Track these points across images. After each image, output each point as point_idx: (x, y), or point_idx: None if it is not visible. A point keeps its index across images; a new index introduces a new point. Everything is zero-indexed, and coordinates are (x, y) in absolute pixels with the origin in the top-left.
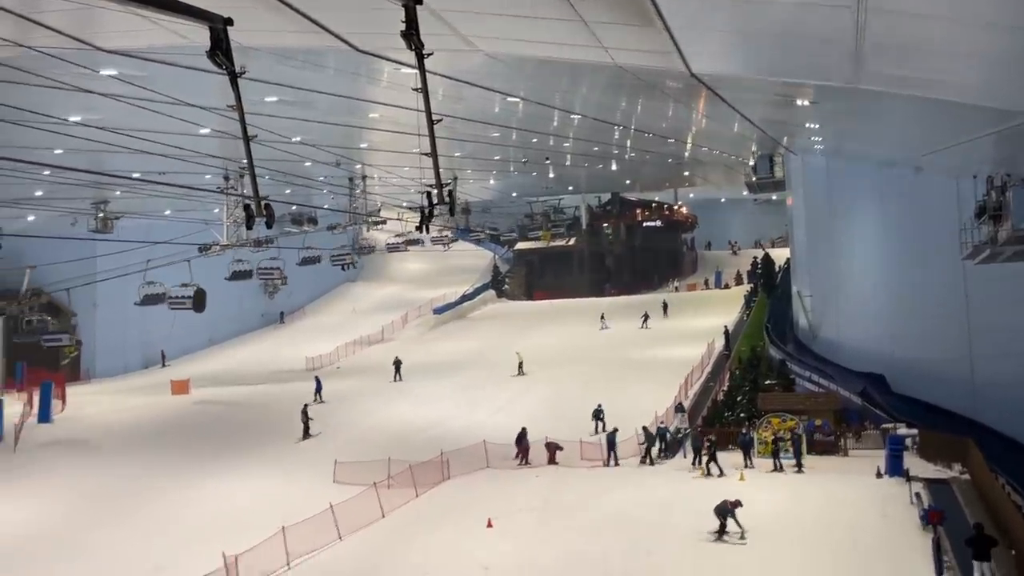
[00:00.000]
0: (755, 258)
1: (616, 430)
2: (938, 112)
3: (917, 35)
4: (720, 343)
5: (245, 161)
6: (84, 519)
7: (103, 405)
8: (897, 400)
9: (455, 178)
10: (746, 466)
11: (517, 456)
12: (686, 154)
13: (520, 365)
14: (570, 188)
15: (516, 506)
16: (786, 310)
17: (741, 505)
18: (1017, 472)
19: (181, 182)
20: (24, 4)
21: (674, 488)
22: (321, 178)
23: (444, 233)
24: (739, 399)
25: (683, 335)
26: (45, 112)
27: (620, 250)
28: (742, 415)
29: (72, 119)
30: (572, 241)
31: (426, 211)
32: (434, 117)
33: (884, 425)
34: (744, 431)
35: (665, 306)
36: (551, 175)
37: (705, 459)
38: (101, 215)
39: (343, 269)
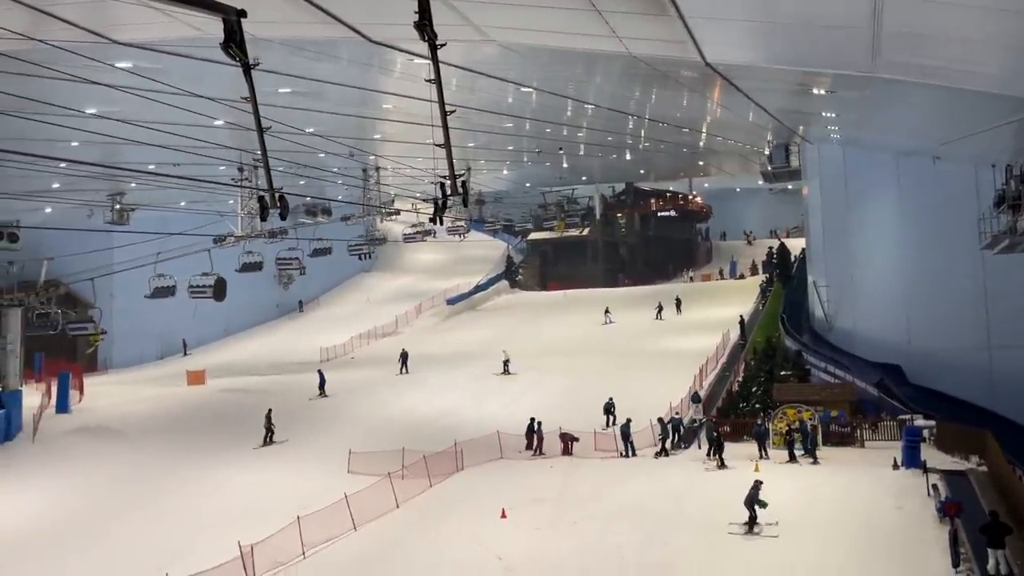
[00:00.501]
0: (770, 248)
1: (629, 421)
2: (957, 101)
3: (935, 22)
4: (735, 334)
5: (259, 153)
6: (101, 508)
7: (121, 395)
8: (914, 391)
9: (469, 169)
10: (761, 457)
11: (529, 448)
12: (701, 144)
13: (506, 364)
14: (584, 178)
15: (530, 497)
16: (802, 300)
17: (761, 483)
18: None
19: (195, 174)
20: None
21: (689, 479)
22: (335, 169)
23: (459, 223)
24: (754, 390)
25: (698, 326)
26: (61, 105)
27: (634, 240)
28: (757, 406)
29: (88, 112)
30: (586, 231)
31: (439, 202)
32: (447, 108)
33: (901, 416)
34: (759, 422)
35: (678, 302)
36: (565, 165)
37: (714, 452)
38: (117, 207)
39: (360, 259)
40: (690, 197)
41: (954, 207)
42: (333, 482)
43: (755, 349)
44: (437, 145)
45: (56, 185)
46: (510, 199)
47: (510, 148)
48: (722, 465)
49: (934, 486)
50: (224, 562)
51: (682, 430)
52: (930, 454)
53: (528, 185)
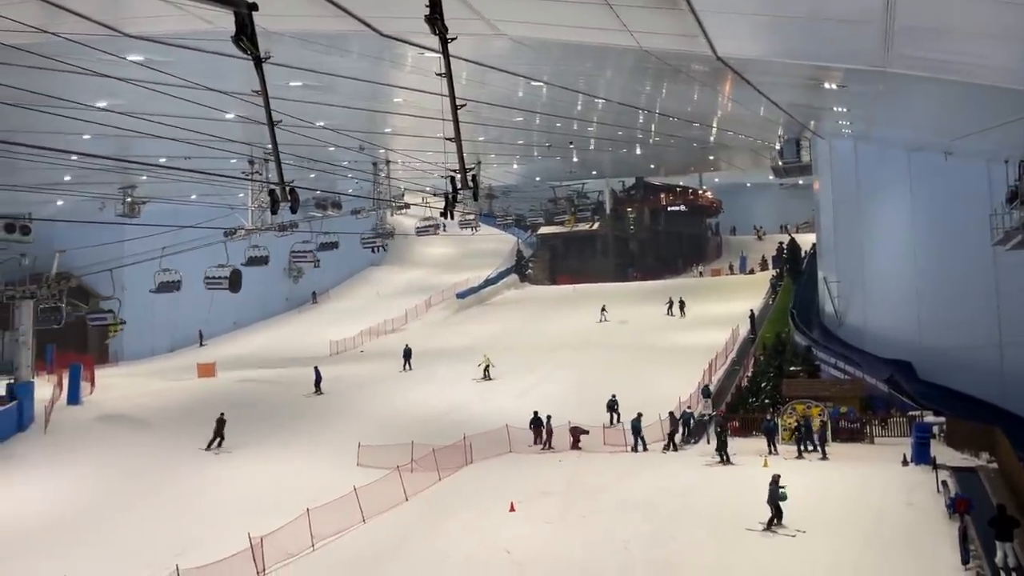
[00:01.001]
0: (781, 243)
1: (640, 415)
2: (970, 96)
3: (948, 16)
4: (744, 329)
5: (270, 146)
6: (112, 499)
7: (132, 387)
8: (924, 388)
9: (479, 163)
10: (770, 452)
11: (537, 441)
12: (711, 138)
13: (486, 369)
14: (594, 172)
15: (539, 490)
16: (812, 296)
17: (779, 476)
18: None
19: (206, 167)
20: None
21: (697, 474)
22: (345, 163)
23: (471, 217)
24: (763, 385)
25: (707, 321)
26: (73, 98)
27: (644, 235)
28: (766, 401)
29: (99, 105)
30: (596, 226)
31: (450, 196)
32: (458, 102)
33: (911, 413)
34: (768, 417)
35: (682, 304)
36: (575, 159)
37: (718, 447)
38: (128, 199)
39: (374, 251)
40: (700, 192)
41: (966, 203)
42: (342, 475)
43: (765, 344)
44: (447, 139)
45: (68, 178)
46: (520, 193)
47: (520, 142)
48: (725, 461)
49: (943, 483)
50: (234, 553)
51: (691, 424)
52: (940, 450)
53: (538, 179)
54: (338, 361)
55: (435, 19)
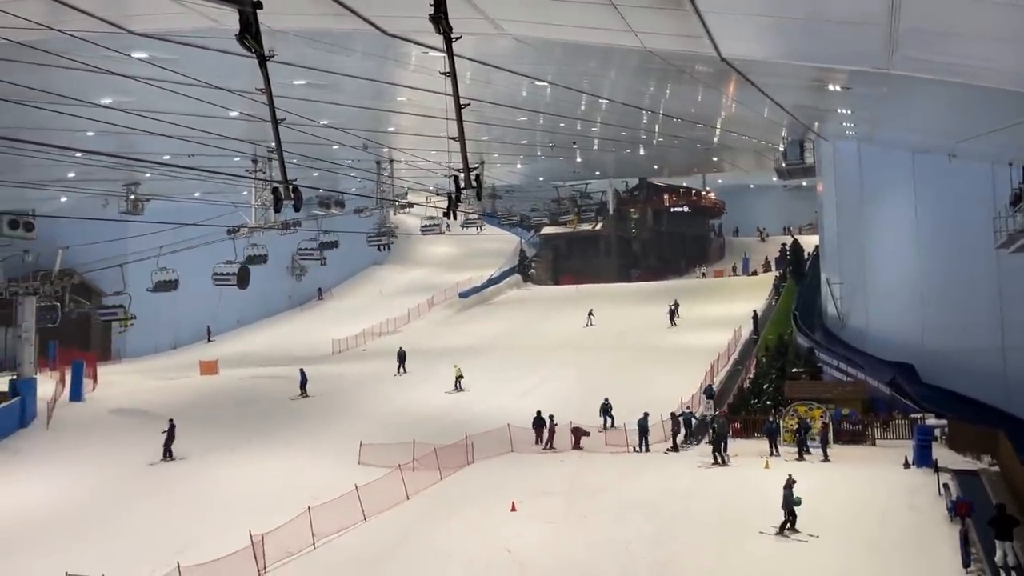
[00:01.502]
0: (784, 245)
1: (647, 415)
2: (974, 98)
3: (953, 19)
4: (747, 330)
5: (274, 144)
6: (114, 496)
7: (134, 384)
8: (926, 390)
9: (482, 162)
10: (771, 454)
11: (539, 441)
12: (715, 139)
13: (458, 380)
14: (597, 173)
15: (540, 490)
16: (815, 298)
17: (795, 480)
18: None
19: (210, 165)
20: None
21: (698, 474)
22: (348, 161)
23: (475, 217)
24: (765, 387)
25: (709, 322)
26: (77, 95)
27: (647, 235)
28: (768, 403)
29: (103, 102)
30: (599, 226)
31: (454, 196)
32: (462, 101)
33: (913, 415)
34: (770, 419)
35: (675, 310)
36: (578, 160)
37: (712, 447)
38: (132, 197)
39: (379, 250)
40: (703, 193)
41: (970, 205)
42: (344, 473)
43: (767, 346)
44: (451, 138)
45: (72, 175)
46: (523, 193)
47: (524, 142)
48: (721, 462)
49: (945, 485)
50: (235, 551)
51: (693, 424)
52: (942, 454)
53: (541, 179)
54: (340, 360)
55: (439, 18)
